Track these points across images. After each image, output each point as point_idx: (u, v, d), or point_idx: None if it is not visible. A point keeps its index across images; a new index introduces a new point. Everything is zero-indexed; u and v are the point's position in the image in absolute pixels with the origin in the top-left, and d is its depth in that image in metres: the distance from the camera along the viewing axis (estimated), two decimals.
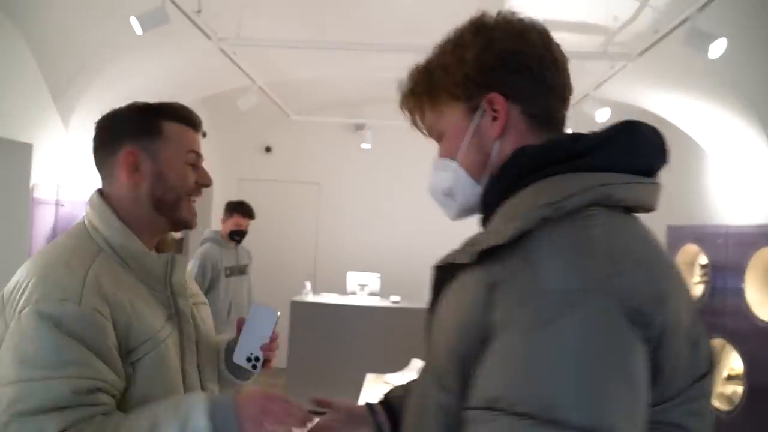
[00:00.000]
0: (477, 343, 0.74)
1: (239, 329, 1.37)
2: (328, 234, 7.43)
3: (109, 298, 1.12)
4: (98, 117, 1.33)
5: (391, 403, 1.23)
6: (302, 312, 5.66)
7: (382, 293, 6.03)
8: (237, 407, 1.09)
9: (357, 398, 3.43)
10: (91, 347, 1.06)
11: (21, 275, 1.14)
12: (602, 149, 0.84)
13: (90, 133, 1.33)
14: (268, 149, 7.47)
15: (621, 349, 0.69)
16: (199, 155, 1.32)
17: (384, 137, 7.05)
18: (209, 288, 4.12)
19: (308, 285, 5.98)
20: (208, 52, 4.24)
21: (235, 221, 4.33)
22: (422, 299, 6.81)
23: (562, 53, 0.92)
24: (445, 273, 0.88)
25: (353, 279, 5.99)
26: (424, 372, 0.90)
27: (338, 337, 5.60)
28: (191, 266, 4.11)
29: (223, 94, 5.80)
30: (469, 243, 0.84)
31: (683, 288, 0.81)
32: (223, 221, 4.39)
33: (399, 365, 4.10)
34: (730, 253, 4.22)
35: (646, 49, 3.63)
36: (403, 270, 7.13)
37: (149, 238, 1.29)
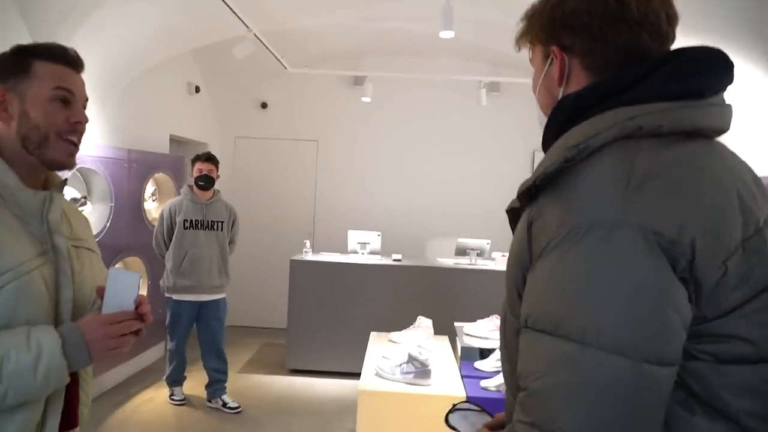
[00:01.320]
0: (525, 274, 0.88)
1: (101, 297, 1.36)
2: (327, 192, 7.26)
3: None
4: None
5: None
6: (302, 271, 5.53)
7: (383, 252, 5.90)
8: (85, 337, 1.22)
9: (362, 357, 3.33)
10: None
11: None
12: (642, 82, 0.88)
13: None
14: (264, 105, 7.24)
15: (633, 271, 0.76)
16: (70, 92, 1.32)
17: (385, 91, 6.85)
18: (170, 237, 4.49)
19: (307, 244, 5.85)
20: None
21: (197, 168, 4.50)
22: (424, 257, 6.76)
23: (646, 11, 0.91)
24: (514, 214, 0.97)
25: (354, 237, 5.85)
26: (504, 302, 1.00)
27: (340, 296, 5.49)
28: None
29: (217, 45, 5.55)
30: (521, 186, 0.92)
31: (731, 203, 0.82)
32: (191, 175, 4.59)
33: (403, 323, 4.00)
34: None
35: None
36: (404, 228, 7.01)
37: (29, 176, 1.31)
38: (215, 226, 4.53)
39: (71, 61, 1.34)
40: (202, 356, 4.63)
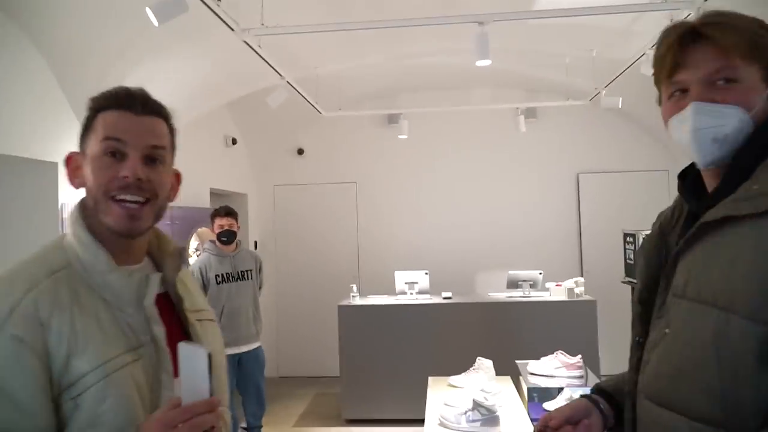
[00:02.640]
0: None
1: None
2: (369, 233, 7.16)
3: (48, 324, 0.96)
4: None
5: (607, 390, 1.30)
6: (350, 316, 5.40)
7: (432, 290, 5.72)
8: None
9: (422, 403, 3.14)
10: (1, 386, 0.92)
11: None
12: None
13: None
14: (300, 151, 7.25)
15: None
16: (119, 141, 1.07)
17: (420, 126, 6.77)
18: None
19: (354, 288, 5.72)
20: (232, 50, 4.01)
21: (218, 224, 4.56)
22: (475, 293, 6.52)
23: None
24: (705, 228, 1.01)
25: (401, 278, 5.70)
26: (711, 311, 0.96)
27: (392, 339, 5.32)
28: None
29: (251, 97, 5.58)
30: (744, 198, 0.96)
31: None
32: (212, 231, 4.63)
33: (460, 364, 3.80)
34: None
35: None
36: (452, 264, 6.82)
37: (121, 251, 1.10)
38: (245, 276, 4.63)
39: (125, 103, 1.09)
40: (243, 403, 4.69)
